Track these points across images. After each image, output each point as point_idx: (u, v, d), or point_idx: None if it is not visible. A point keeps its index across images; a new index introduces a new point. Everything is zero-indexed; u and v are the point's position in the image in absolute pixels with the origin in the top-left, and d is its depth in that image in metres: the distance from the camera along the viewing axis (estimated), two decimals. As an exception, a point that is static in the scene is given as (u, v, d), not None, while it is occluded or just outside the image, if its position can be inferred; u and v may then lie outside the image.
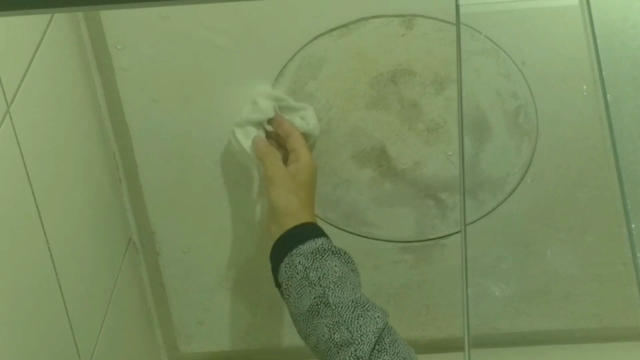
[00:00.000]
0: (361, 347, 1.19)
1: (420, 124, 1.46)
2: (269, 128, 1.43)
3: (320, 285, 1.25)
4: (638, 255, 0.76)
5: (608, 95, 0.85)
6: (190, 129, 1.48)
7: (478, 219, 1.50)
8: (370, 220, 1.54)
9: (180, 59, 1.42)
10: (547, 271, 1.55)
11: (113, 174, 1.52)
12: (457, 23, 1.14)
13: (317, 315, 1.24)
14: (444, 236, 1.55)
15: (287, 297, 1.30)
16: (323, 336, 1.23)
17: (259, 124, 1.43)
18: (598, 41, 0.89)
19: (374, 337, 1.20)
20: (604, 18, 0.92)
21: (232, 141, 1.43)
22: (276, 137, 1.44)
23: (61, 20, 1.32)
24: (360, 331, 1.20)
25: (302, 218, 1.34)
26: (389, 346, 1.20)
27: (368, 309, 1.23)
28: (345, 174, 1.51)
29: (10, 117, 1.14)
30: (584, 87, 1.39)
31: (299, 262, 1.28)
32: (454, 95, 1.42)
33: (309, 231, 1.32)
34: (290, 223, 1.33)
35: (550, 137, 1.45)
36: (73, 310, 1.29)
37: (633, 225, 0.76)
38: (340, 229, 1.55)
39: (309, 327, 1.26)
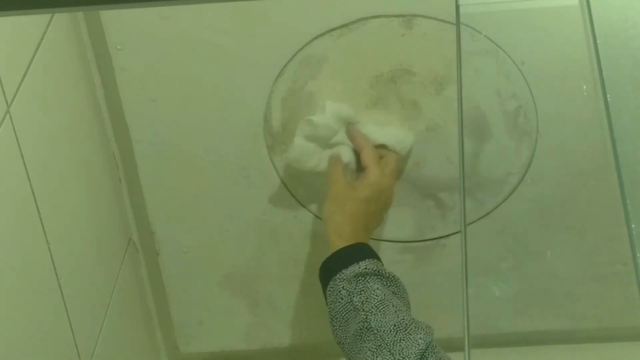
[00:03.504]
0: None
1: (420, 124, 1.46)
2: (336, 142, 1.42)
3: (363, 310, 1.26)
4: (638, 255, 0.76)
5: (608, 95, 0.85)
6: (190, 129, 1.48)
7: (478, 219, 1.50)
8: (370, 220, 1.54)
9: (180, 59, 1.42)
10: (547, 271, 1.55)
11: (113, 174, 1.52)
12: (457, 23, 1.14)
13: (361, 339, 1.25)
14: (444, 236, 1.55)
15: (331, 320, 1.31)
16: None
17: (322, 141, 1.42)
18: (598, 41, 0.89)
19: (416, 359, 1.21)
20: (604, 18, 0.92)
21: (293, 153, 1.42)
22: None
23: (61, 20, 1.32)
24: (402, 354, 1.21)
25: (352, 237, 1.34)
26: None
27: (410, 331, 1.23)
28: (345, 174, 1.51)
29: (10, 117, 1.14)
30: (584, 87, 1.39)
31: (343, 287, 1.29)
32: (454, 95, 1.42)
33: (355, 253, 1.32)
34: (338, 243, 1.34)
35: (550, 137, 1.45)
36: (73, 310, 1.29)
37: (633, 225, 0.76)
38: (340, 229, 1.55)
39: (353, 351, 1.27)
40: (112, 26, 1.40)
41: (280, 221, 1.55)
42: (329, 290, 1.31)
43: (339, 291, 1.29)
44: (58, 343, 1.26)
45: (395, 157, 1.43)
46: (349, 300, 1.28)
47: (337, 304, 1.29)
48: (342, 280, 1.29)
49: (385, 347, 1.22)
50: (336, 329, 1.30)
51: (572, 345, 1.60)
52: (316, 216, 1.54)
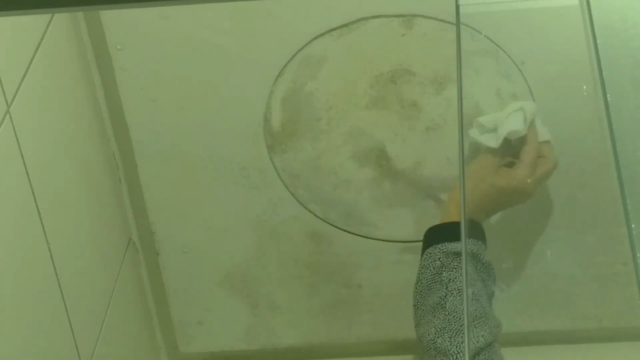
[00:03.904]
0: None
1: (420, 124, 1.46)
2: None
3: (447, 288, 1.28)
4: (638, 255, 0.76)
5: (608, 95, 0.85)
6: (190, 129, 1.48)
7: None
8: (370, 220, 1.54)
9: (180, 59, 1.42)
10: (547, 271, 1.55)
11: (113, 174, 1.52)
12: (457, 23, 1.14)
13: (433, 313, 1.28)
14: (444, 236, 1.54)
15: (417, 282, 1.33)
16: (428, 335, 1.26)
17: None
18: (598, 41, 0.89)
19: (470, 354, 1.23)
20: (604, 18, 0.92)
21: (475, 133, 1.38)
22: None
23: (61, 20, 1.32)
24: (460, 346, 1.23)
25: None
26: None
27: (476, 325, 1.25)
28: (345, 174, 1.51)
29: (10, 117, 1.14)
30: (584, 87, 1.39)
31: (439, 258, 1.31)
32: (454, 95, 1.42)
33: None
34: (453, 215, 1.35)
35: (551, 137, 1.44)
36: (73, 310, 1.29)
37: (633, 225, 0.76)
38: (340, 229, 1.55)
39: (424, 319, 1.30)
40: (112, 26, 1.40)
41: (280, 221, 1.55)
42: (426, 255, 1.33)
43: (434, 260, 1.31)
44: (58, 343, 1.26)
45: (554, 164, 1.38)
46: (439, 272, 1.30)
47: (428, 270, 1.31)
48: (441, 251, 1.31)
49: (447, 332, 1.25)
50: (417, 292, 1.32)
51: (572, 345, 1.60)
52: (316, 216, 1.54)
